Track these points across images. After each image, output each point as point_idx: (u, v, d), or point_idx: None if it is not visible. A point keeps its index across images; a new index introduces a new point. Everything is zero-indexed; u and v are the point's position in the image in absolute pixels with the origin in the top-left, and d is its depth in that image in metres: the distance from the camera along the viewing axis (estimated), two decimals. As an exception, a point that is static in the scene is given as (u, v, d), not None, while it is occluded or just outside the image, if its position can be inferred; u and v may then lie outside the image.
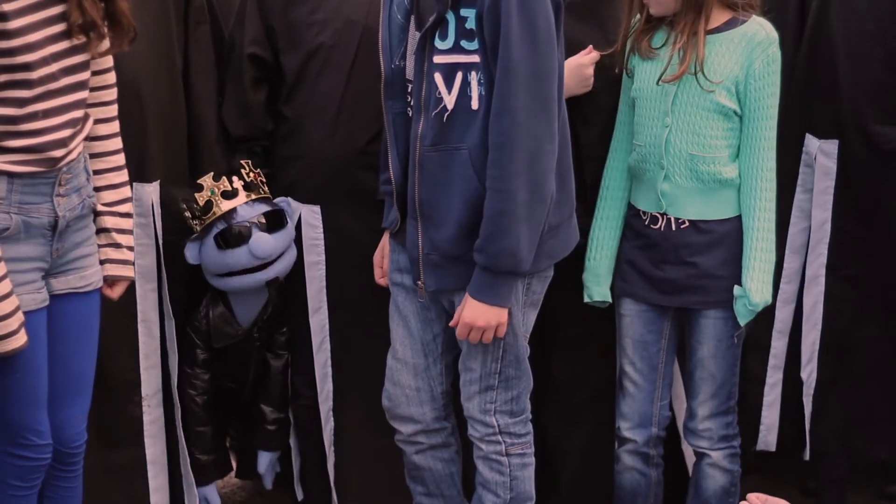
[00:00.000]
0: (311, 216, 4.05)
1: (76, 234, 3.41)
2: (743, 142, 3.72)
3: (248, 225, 3.90)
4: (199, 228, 3.92)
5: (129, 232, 3.57)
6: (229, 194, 3.91)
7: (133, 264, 3.59)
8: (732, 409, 3.89)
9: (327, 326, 4.09)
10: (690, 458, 4.03)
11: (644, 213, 3.82)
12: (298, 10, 3.98)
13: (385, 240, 3.77)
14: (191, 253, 3.95)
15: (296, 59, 3.99)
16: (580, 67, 3.83)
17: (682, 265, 3.76)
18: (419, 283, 3.52)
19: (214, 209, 3.90)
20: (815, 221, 4.11)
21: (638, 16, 3.79)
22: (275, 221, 3.95)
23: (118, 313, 3.81)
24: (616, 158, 3.89)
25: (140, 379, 3.97)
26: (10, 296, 3.21)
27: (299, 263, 4.06)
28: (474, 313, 3.41)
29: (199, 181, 3.91)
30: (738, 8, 3.69)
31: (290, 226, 4.00)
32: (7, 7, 3.15)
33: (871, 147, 4.02)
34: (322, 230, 4.05)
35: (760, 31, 3.68)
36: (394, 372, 3.70)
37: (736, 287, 3.71)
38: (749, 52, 3.66)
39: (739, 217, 3.75)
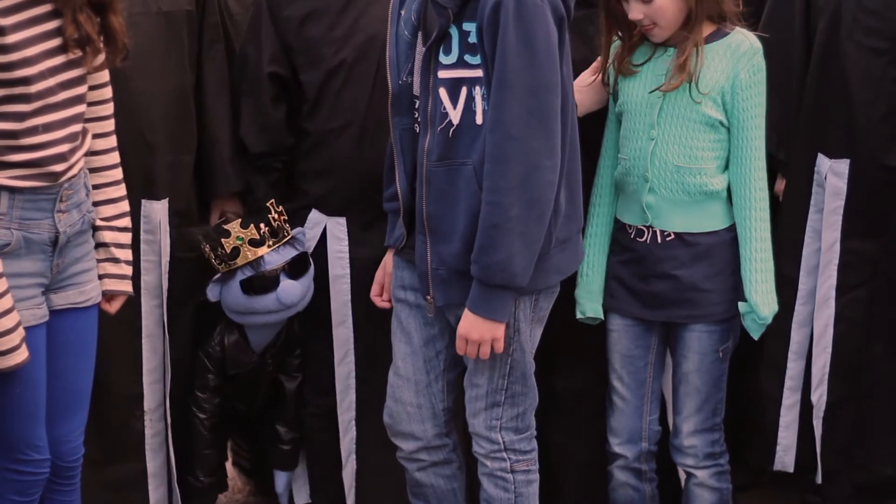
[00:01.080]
0: (336, 229, 4.04)
1: (76, 249, 3.41)
2: (732, 153, 3.70)
3: (276, 271, 3.91)
4: (223, 270, 3.92)
5: (128, 246, 3.56)
6: (257, 242, 3.91)
7: (130, 279, 3.58)
8: (718, 427, 3.86)
9: (352, 339, 4.08)
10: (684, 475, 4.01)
11: (630, 226, 3.80)
12: (315, 27, 3.95)
13: (388, 257, 3.76)
14: (213, 293, 3.96)
15: (316, 76, 3.96)
16: (599, 85, 3.82)
17: (668, 279, 3.74)
18: (429, 297, 3.49)
19: (242, 256, 3.90)
20: (824, 242, 4.08)
21: (617, 41, 3.76)
22: (299, 265, 3.96)
23: (122, 328, 3.82)
24: (605, 175, 3.86)
25: (143, 393, 3.98)
26: (11, 312, 3.21)
27: (324, 276, 4.05)
28: (469, 326, 3.40)
29: (225, 227, 3.91)
30: (724, 20, 3.68)
31: (312, 268, 4.00)
32: (4, 22, 3.15)
33: (883, 166, 4.00)
34: (347, 243, 4.04)
35: (745, 42, 3.67)
36: (395, 389, 3.68)
37: (741, 304, 3.69)
38: (735, 62, 3.65)
39: (726, 230, 3.74)
